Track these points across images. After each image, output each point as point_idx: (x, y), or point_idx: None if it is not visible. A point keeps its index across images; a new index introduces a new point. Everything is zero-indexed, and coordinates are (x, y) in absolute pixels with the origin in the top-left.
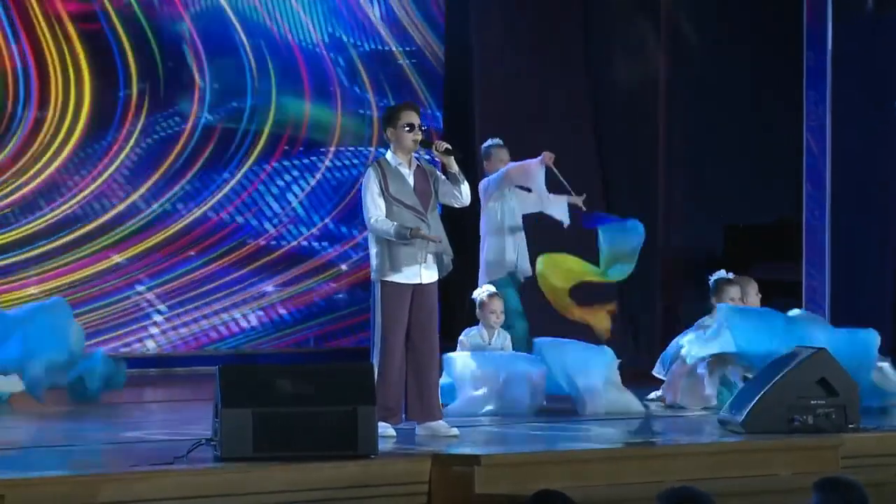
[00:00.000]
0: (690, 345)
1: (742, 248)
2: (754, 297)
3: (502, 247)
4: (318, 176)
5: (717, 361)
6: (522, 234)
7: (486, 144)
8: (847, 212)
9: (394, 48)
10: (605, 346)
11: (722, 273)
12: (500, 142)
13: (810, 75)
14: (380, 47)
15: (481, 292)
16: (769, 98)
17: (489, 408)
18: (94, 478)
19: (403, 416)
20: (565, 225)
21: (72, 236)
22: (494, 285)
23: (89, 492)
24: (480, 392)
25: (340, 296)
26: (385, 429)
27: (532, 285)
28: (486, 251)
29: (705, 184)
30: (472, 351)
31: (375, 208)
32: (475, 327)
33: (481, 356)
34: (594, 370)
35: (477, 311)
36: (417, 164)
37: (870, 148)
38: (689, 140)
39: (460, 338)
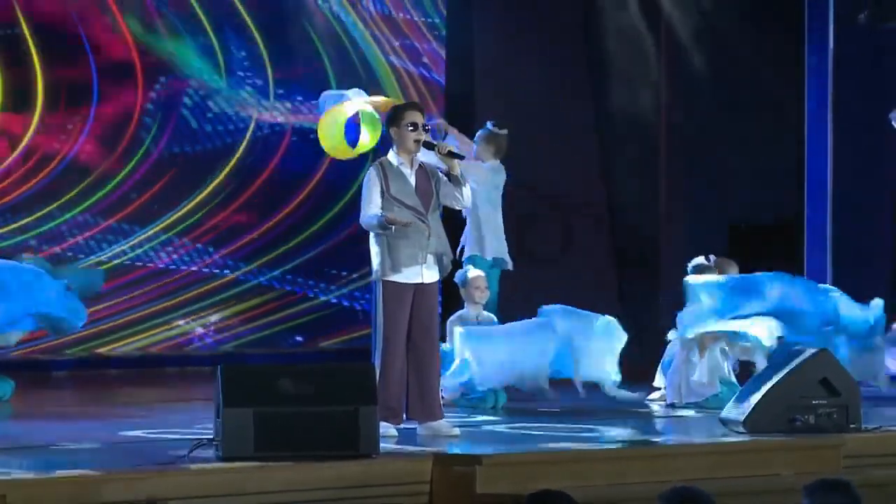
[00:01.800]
0: (678, 327)
1: (744, 248)
2: None
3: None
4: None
5: (705, 342)
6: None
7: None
8: (848, 211)
9: (394, 49)
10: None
11: (700, 259)
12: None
13: (812, 75)
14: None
15: (463, 271)
16: (771, 98)
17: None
18: (95, 477)
19: (405, 415)
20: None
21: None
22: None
23: (91, 491)
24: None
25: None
26: (386, 428)
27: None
28: None
29: (707, 184)
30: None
31: (368, 206)
32: (460, 311)
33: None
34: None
35: (461, 290)
36: (419, 165)
37: (871, 148)
38: (691, 140)
39: (449, 321)
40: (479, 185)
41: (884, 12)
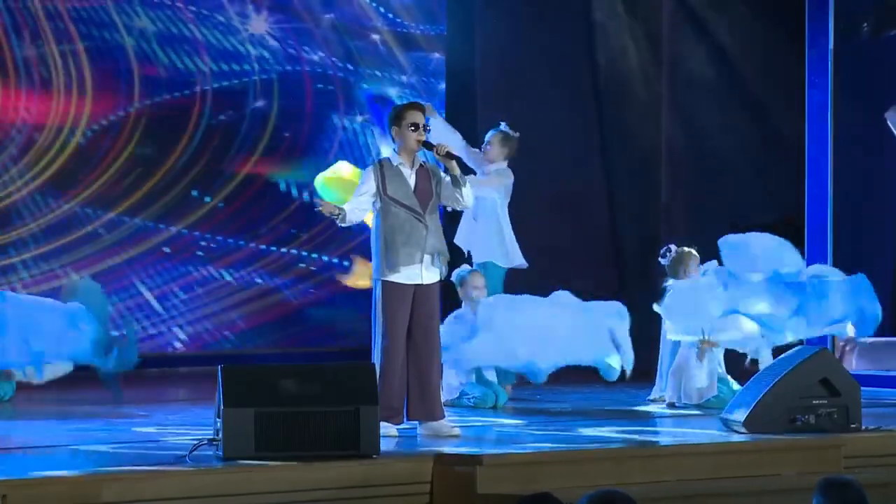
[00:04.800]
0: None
1: None
2: (695, 270)
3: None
4: None
5: (703, 347)
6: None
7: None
8: (849, 211)
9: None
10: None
11: (673, 246)
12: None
13: (812, 74)
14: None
15: (461, 270)
16: (771, 97)
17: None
18: (96, 477)
19: (405, 415)
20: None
21: (71, 237)
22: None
23: (91, 492)
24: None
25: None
26: (387, 429)
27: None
28: None
29: (708, 183)
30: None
31: (350, 202)
32: (458, 310)
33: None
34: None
35: (458, 289)
36: (421, 165)
37: (872, 147)
38: (692, 139)
39: (446, 321)
40: (497, 191)
41: (885, 21)
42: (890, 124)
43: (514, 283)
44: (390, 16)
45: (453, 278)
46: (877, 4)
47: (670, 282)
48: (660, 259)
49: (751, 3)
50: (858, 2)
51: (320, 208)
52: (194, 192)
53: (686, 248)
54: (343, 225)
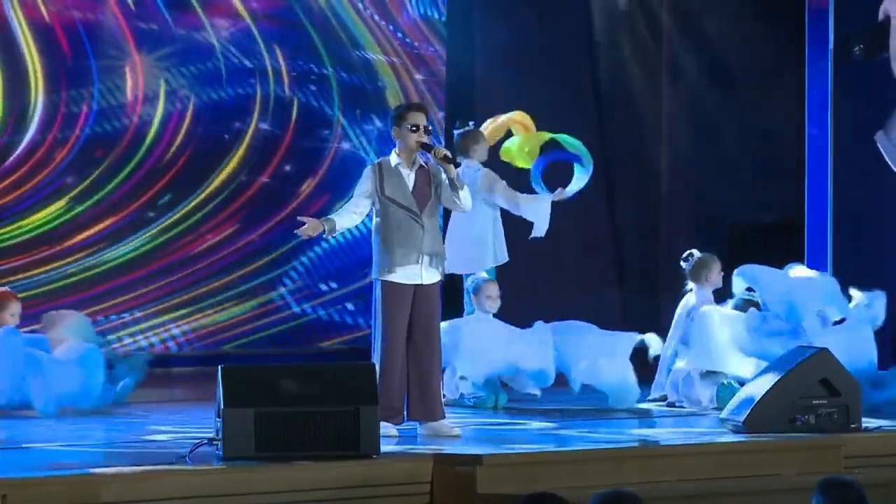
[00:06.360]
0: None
1: (744, 248)
2: (717, 275)
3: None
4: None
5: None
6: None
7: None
8: (849, 211)
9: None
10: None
11: (695, 252)
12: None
13: (813, 74)
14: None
15: (476, 278)
16: (772, 97)
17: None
18: (96, 477)
19: (405, 415)
20: (541, 234)
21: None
22: None
23: (91, 491)
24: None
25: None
26: (387, 429)
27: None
28: None
29: (708, 184)
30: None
31: (347, 204)
32: (468, 316)
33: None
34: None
35: (472, 297)
36: (421, 165)
37: (872, 147)
38: (692, 139)
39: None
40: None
41: (877, 45)
42: (880, 147)
43: (515, 283)
44: (383, 22)
45: (467, 285)
46: (874, 29)
47: (691, 286)
48: (681, 263)
49: (751, 3)
50: (852, 24)
51: (300, 230)
52: (194, 191)
53: (708, 254)
54: (333, 235)
